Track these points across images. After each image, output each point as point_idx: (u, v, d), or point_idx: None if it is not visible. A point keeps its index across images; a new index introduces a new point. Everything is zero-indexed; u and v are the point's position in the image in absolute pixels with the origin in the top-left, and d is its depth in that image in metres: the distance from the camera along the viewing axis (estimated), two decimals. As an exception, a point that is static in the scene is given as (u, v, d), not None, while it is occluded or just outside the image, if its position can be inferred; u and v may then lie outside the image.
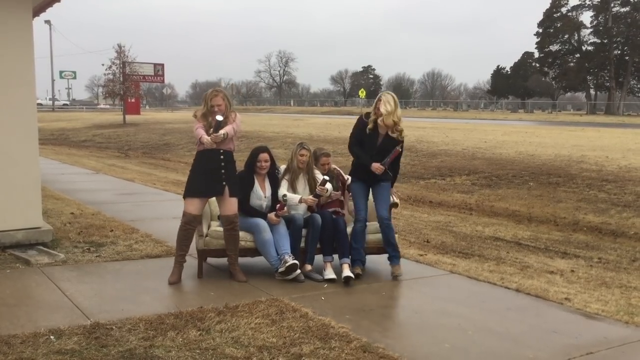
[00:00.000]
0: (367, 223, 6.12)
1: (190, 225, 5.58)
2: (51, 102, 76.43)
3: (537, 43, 70.90)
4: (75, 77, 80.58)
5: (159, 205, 10.29)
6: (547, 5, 68.80)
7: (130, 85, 40.79)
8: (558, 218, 11.07)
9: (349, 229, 6.00)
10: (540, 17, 69.79)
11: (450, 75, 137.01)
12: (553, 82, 74.20)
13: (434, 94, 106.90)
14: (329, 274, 5.78)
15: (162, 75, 54.14)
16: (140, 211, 9.52)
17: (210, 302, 4.91)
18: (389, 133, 5.83)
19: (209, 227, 5.84)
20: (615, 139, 20.89)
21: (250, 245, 5.79)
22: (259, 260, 5.90)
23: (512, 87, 78.82)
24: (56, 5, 7.54)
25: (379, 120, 5.78)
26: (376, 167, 5.78)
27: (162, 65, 53.52)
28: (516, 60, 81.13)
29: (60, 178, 13.71)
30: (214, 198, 5.72)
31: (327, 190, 5.84)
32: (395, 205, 6.31)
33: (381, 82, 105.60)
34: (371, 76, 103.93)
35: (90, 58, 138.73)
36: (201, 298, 5.12)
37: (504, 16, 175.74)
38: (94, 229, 7.63)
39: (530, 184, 13.53)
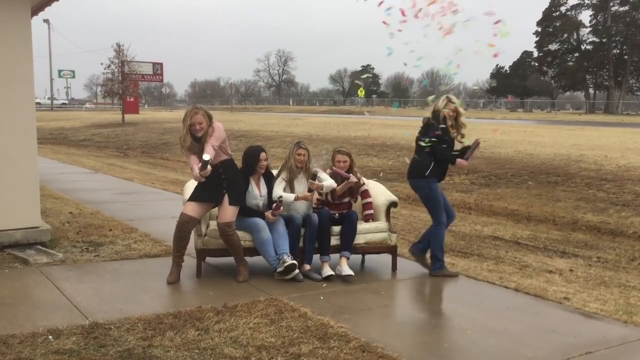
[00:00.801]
0: (369, 224, 6.14)
1: (185, 227, 5.56)
2: (50, 101, 76.35)
3: (536, 42, 70.88)
4: (74, 77, 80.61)
5: (157, 205, 10.28)
6: (546, 5, 68.88)
7: (129, 84, 40.76)
8: (557, 217, 11.07)
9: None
10: (540, 16, 69.87)
11: (449, 74, 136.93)
12: (552, 81, 74.20)
13: (434, 93, 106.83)
14: (327, 271, 5.78)
15: (161, 75, 54.13)
16: (139, 210, 9.51)
17: (209, 302, 4.91)
18: (458, 132, 5.94)
19: (207, 226, 5.83)
20: (614, 138, 20.90)
21: (249, 245, 5.78)
22: (258, 259, 5.89)
23: (511, 86, 78.83)
24: (55, 4, 7.53)
25: (458, 120, 5.91)
26: (463, 164, 5.95)
27: (161, 64, 53.52)
28: (515, 60, 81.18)
29: (58, 177, 13.69)
30: None
31: (322, 185, 5.84)
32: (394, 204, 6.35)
33: (380, 81, 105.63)
34: (370, 75, 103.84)
35: (89, 57, 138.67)
36: (200, 298, 5.12)
37: (503, 15, 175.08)
38: (93, 228, 7.62)
39: (529, 183, 13.54)
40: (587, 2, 65.94)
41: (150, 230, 7.66)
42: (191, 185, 5.79)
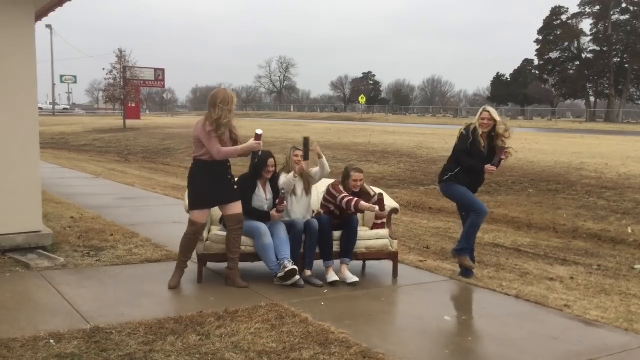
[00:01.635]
0: (370, 230, 6.16)
1: (197, 235, 5.57)
2: (51, 106, 76.48)
3: (537, 50, 71.06)
4: (75, 82, 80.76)
5: (159, 210, 10.30)
6: (547, 13, 69.09)
7: (131, 89, 40.89)
8: (557, 225, 11.08)
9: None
10: (541, 24, 70.08)
11: (450, 82, 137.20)
12: (553, 90, 74.29)
13: (434, 100, 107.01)
14: (332, 276, 5.81)
15: (163, 80, 54.26)
16: (140, 215, 9.52)
17: (210, 307, 4.91)
18: (498, 141, 6.20)
19: (209, 231, 5.85)
20: (614, 147, 20.92)
21: (250, 250, 5.79)
22: (259, 265, 5.90)
23: (512, 94, 78.93)
24: (58, 9, 7.57)
25: (495, 131, 6.16)
26: (490, 169, 6.17)
27: (163, 70, 53.66)
28: (516, 67, 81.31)
29: (60, 182, 13.70)
30: None
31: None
32: (395, 210, 6.36)
33: (381, 89, 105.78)
34: (371, 82, 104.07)
35: (90, 62, 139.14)
36: (201, 303, 5.12)
37: (504, 23, 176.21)
38: (94, 233, 7.63)
39: (530, 191, 13.55)
40: (588, 10, 66.15)
41: (151, 235, 7.67)
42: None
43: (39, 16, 7.80)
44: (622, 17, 64.21)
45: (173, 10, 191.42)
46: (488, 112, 6.20)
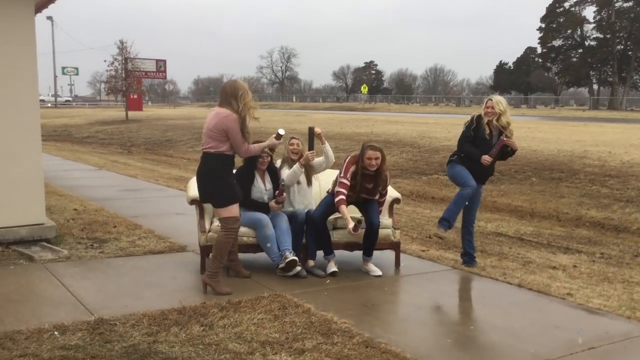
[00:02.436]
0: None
1: (237, 231, 5.31)
2: (53, 98, 76.49)
3: (539, 38, 70.72)
4: (77, 74, 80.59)
5: (162, 202, 10.31)
6: (550, 1, 68.60)
7: (133, 81, 40.83)
8: (560, 213, 11.07)
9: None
10: (543, 12, 69.65)
11: (453, 70, 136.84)
12: (556, 78, 74.03)
13: (437, 89, 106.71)
14: (331, 267, 5.84)
15: (164, 71, 54.11)
16: (143, 207, 9.54)
17: (213, 298, 4.93)
18: (504, 133, 6.22)
19: (211, 222, 5.85)
20: (618, 134, 20.84)
21: (252, 242, 5.80)
22: (261, 256, 5.91)
23: (515, 82, 78.66)
24: (58, 1, 7.55)
25: (494, 121, 6.19)
26: (485, 159, 6.19)
27: (164, 61, 53.52)
28: (519, 56, 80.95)
29: (63, 174, 13.73)
30: None
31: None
32: (397, 200, 6.37)
33: (383, 78, 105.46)
34: (373, 72, 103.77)
35: (92, 54, 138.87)
36: (204, 294, 5.13)
37: (507, 11, 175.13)
38: (97, 225, 7.66)
39: (533, 180, 13.53)
40: (591, -3, 65.76)
41: (154, 226, 7.69)
42: (194, 183, 5.69)
43: (39, 8, 7.77)
44: (625, 4, 63.79)
45: (174, 2, 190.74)
46: (491, 100, 6.25)
